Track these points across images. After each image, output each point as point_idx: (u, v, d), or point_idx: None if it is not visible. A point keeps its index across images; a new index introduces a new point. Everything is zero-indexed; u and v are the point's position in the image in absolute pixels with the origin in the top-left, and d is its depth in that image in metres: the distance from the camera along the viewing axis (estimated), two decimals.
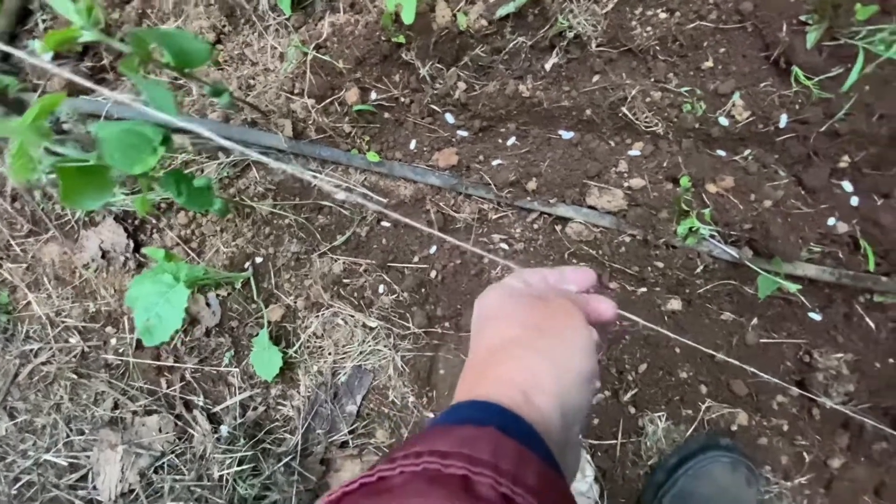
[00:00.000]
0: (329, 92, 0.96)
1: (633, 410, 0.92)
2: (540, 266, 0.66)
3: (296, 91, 0.98)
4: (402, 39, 0.91)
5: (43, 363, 1.06)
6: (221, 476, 0.97)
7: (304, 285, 1.01)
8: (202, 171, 1.02)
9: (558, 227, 0.95)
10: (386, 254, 0.98)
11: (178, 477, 0.98)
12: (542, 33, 0.90)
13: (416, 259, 0.98)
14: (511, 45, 0.91)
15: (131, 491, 0.98)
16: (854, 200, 0.88)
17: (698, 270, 0.90)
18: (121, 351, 1.04)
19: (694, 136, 0.91)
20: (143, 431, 1.00)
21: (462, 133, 0.97)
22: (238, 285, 1.01)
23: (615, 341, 0.92)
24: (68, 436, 1.03)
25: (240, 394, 1.00)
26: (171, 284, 0.81)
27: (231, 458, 0.96)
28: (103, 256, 1.04)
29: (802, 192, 0.89)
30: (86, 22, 0.62)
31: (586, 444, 0.91)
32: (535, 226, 0.96)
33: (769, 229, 0.85)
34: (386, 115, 0.98)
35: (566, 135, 0.94)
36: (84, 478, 1.02)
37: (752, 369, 0.83)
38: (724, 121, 0.89)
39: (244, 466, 0.96)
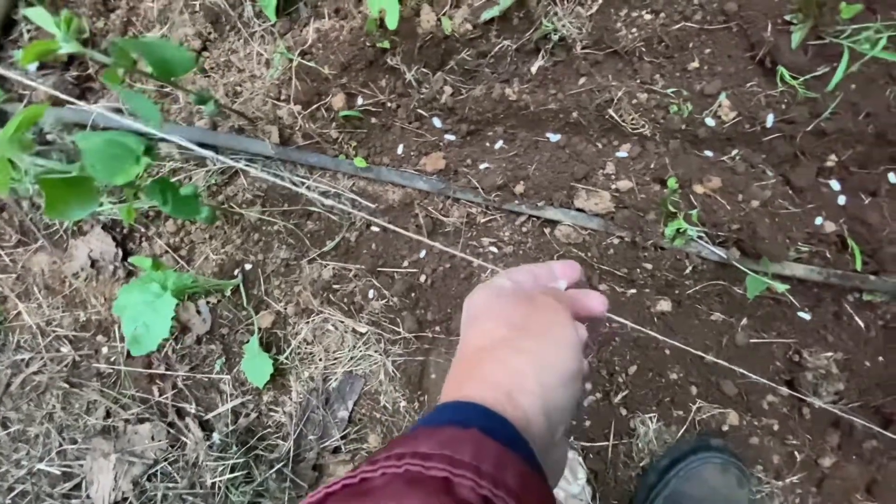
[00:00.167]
0: (315, 98, 0.96)
1: (624, 412, 0.92)
2: None
3: (282, 97, 0.98)
4: (387, 44, 0.91)
5: (35, 373, 1.06)
6: (214, 483, 0.97)
7: (294, 291, 1.00)
8: (190, 179, 1.02)
9: (547, 230, 0.95)
10: (375, 259, 0.98)
11: (170, 485, 0.99)
12: (528, 36, 0.90)
13: (405, 263, 0.98)
14: (496, 48, 0.91)
15: (125, 499, 0.99)
16: (841, 199, 0.88)
17: (687, 271, 0.90)
18: (112, 359, 1.04)
19: (681, 137, 0.91)
20: (135, 440, 1.00)
21: (449, 137, 0.97)
22: (228, 292, 1.01)
23: (605, 343, 0.92)
24: (61, 445, 1.03)
25: (231, 401, 1.00)
26: (159, 294, 0.80)
27: (223, 465, 0.96)
28: (92, 265, 1.04)
29: (790, 192, 0.89)
30: (65, 34, 0.62)
31: (578, 446, 0.91)
32: (524, 229, 0.96)
33: (757, 229, 0.85)
34: (373, 120, 0.98)
35: (553, 137, 0.94)
36: (77, 487, 1.02)
37: (742, 370, 0.83)
38: (710, 121, 0.89)
39: (237, 473, 0.96)
